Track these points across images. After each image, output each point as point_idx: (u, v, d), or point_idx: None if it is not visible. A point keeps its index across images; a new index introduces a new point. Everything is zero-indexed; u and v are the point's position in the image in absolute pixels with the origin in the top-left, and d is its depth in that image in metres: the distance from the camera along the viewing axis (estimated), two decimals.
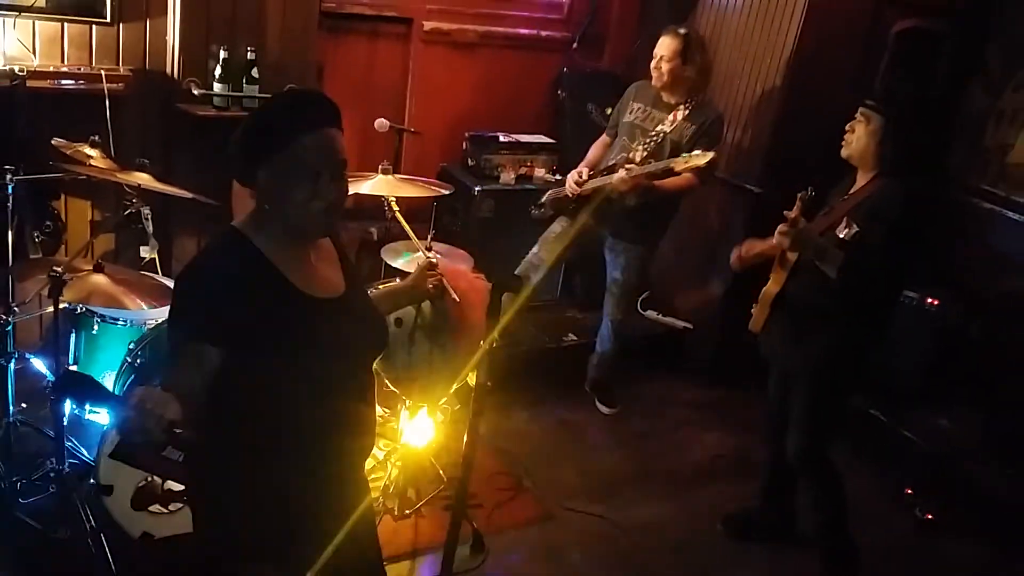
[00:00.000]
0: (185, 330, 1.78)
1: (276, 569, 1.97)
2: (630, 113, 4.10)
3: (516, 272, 4.29)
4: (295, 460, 1.87)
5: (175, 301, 1.84)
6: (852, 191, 3.09)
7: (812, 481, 3.31)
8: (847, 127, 3.06)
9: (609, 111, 4.49)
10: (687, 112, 3.92)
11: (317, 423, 1.87)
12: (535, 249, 4.28)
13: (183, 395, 1.67)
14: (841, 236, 2.97)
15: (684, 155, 3.75)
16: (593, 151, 4.29)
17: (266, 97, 3.95)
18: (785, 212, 2.96)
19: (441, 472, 3.57)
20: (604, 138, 4.28)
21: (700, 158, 3.67)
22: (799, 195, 2.99)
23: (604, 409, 4.49)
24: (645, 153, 3.94)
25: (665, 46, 3.89)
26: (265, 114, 1.89)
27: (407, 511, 3.42)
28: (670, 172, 3.81)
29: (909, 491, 4.04)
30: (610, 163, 4.06)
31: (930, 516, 3.92)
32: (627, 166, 3.90)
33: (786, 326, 3.17)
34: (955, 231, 4.59)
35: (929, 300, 4.37)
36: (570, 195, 4.15)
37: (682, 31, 3.90)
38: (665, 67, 3.89)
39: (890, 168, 2.97)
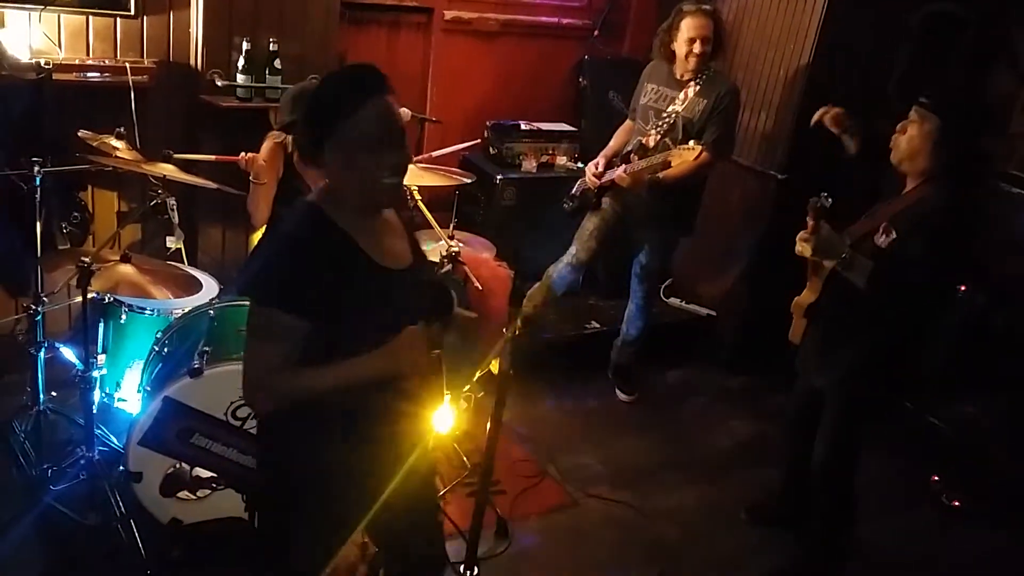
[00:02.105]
0: (272, 303, 1.84)
1: (330, 527, 2.07)
2: (645, 95, 4.06)
3: (548, 272, 4.29)
4: (352, 422, 1.96)
5: (261, 275, 1.88)
6: (901, 194, 2.91)
7: (828, 497, 3.23)
8: (898, 127, 2.85)
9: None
10: (698, 87, 3.86)
11: (375, 387, 1.94)
12: (572, 250, 4.24)
13: (269, 366, 1.83)
14: (878, 243, 2.81)
15: (677, 149, 3.72)
16: (616, 137, 4.26)
17: (288, 88, 3.98)
18: (810, 221, 2.83)
19: (465, 459, 3.59)
20: (628, 123, 4.25)
21: (690, 152, 3.65)
22: (809, 203, 2.80)
23: (623, 396, 4.49)
24: (659, 136, 3.91)
25: (704, 27, 3.77)
26: (323, 91, 1.93)
27: None
28: (668, 164, 3.75)
29: (935, 478, 4.02)
30: (627, 150, 4.06)
31: (956, 503, 3.90)
32: (624, 166, 3.92)
33: (818, 338, 3.08)
34: (981, 216, 4.53)
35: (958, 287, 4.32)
36: (591, 187, 4.16)
37: (707, 7, 3.82)
38: (708, 50, 3.80)
39: (943, 172, 2.78)
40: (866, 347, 2.95)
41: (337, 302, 1.85)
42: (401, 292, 1.98)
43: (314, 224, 1.89)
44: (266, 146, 3.75)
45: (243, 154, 3.55)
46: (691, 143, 3.73)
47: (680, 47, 3.84)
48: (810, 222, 2.80)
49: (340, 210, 1.91)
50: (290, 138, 3.70)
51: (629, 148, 4.04)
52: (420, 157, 3.99)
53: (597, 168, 4.13)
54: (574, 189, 4.30)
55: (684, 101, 3.87)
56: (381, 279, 1.95)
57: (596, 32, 5.22)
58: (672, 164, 3.73)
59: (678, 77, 3.92)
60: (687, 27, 3.80)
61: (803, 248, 2.85)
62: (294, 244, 1.87)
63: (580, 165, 4.89)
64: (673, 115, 3.89)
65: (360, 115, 1.82)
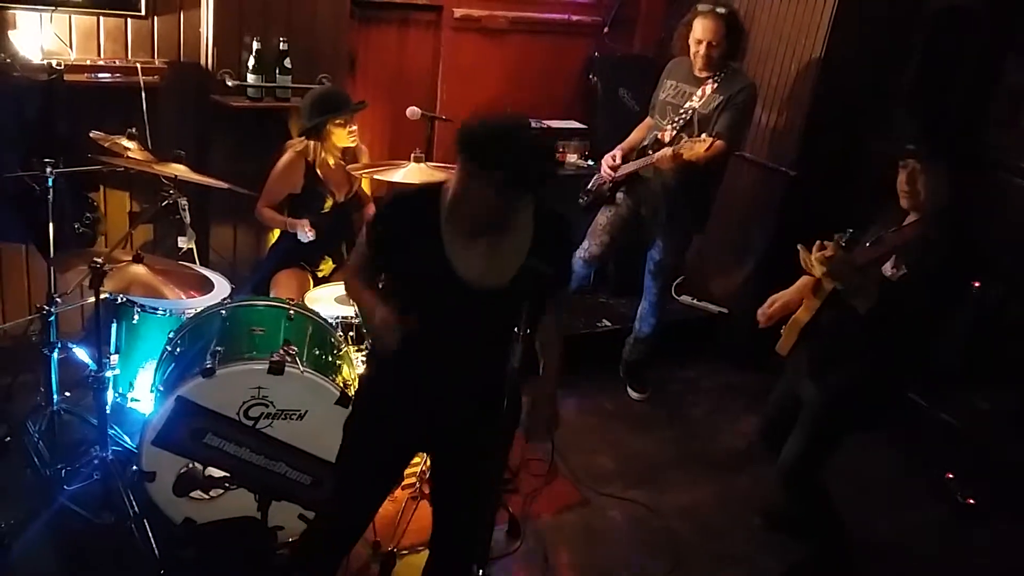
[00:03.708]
0: (367, 228, 2.23)
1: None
2: (664, 91, 4.06)
3: None
4: (405, 371, 2.23)
5: (377, 207, 2.36)
6: (905, 222, 2.90)
7: (795, 498, 3.27)
8: (905, 179, 2.84)
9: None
10: (716, 84, 3.86)
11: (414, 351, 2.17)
12: (585, 244, 4.28)
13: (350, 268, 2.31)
14: (888, 275, 2.81)
15: (688, 141, 3.73)
16: (636, 132, 4.26)
17: (298, 87, 3.99)
18: (824, 242, 2.83)
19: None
20: (647, 120, 4.24)
21: (701, 144, 3.66)
22: (836, 237, 2.82)
23: (634, 394, 4.49)
24: (674, 132, 3.91)
25: (711, 31, 3.78)
26: None
27: None
28: (679, 157, 3.76)
29: (949, 476, 3.99)
30: (643, 144, 4.06)
31: (971, 501, 3.87)
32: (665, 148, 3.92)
33: (814, 355, 3.07)
34: (993, 211, 4.50)
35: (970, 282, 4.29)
36: (607, 179, 4.16)
37: (721, 10, 3.80)
38: (715, 53, 3.81)
39: (947, 204, 2.81)
40: (866, 368, 2.96)
41: (399, 262, 2.15)
42: (459, 303, 2.11)
43: (423, 197, 2.18)
44: (286, 158, 3.75)
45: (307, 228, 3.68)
46: (703, 136, 3.75)
47: (691, 45, 3.86)
48: (829, 253, 2.80)
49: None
50: (311, 144, 3.70)
51: (645, 143, 4.04)
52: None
53: (614, 160, 4.13)
54: (590, 184, 4.30)
55: (702, 98, 3.88)
56: (445, 280, 2.10)
57: (606, 29, 5.20)
58: (684, 156, 3.74)
59: (696, 74, 3.92)
60: (697, 27, 3.83)
61: (816, 268, 2.85)
62: (399, 196, 2.23)
63: (591, 163, 4.88)
64: (690, 111, 3.89)
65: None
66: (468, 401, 2.22)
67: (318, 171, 3.76)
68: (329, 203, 3.82)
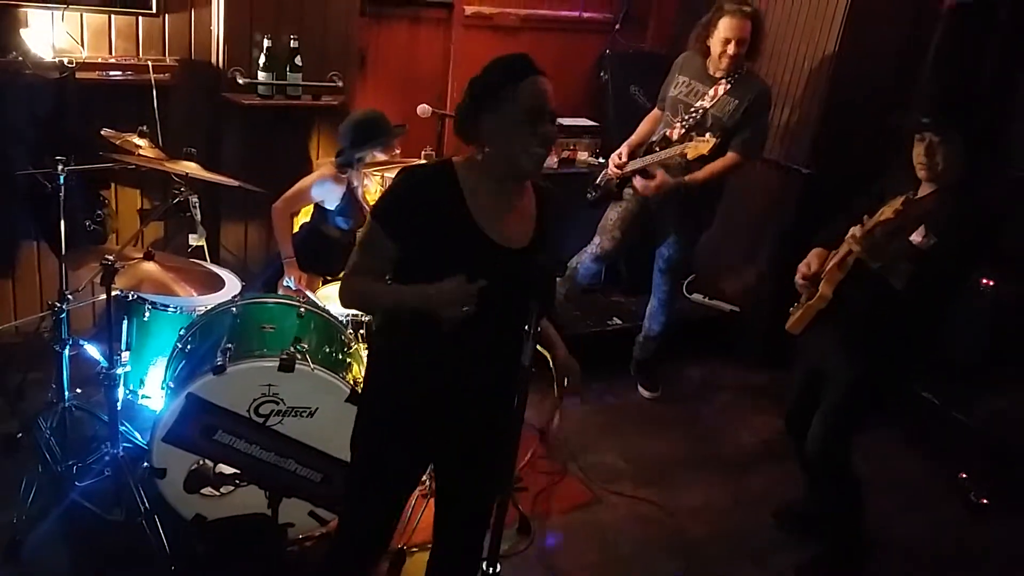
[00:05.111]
0: (378, 222, 2.12)
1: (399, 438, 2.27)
2: (675, 87, 4.03)
3: (571, 263, 4.32)
4: (428, 352, 2.16)
5: (383, 195, 2.20)
6: (923, 194, 2.87)
7: (828, 479, 3.24)
8: (923, 151, 2.80)
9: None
10: (729, 86, 3.84)
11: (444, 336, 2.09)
12: (596, 240, 4.27)
13: (352, 267, 2.16)
14: (916, 244, 2.77)
15: (692, 141, 3.76)
16: (642, 126, 4.24)
17: (309, 85, 3.99)
18: (866, 217, 2.78)
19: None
20: (655, 112, 4.23)
21: (704, 144, 3.70)
22: (902, 200, 2.75)
23: (645, 393, 4.48)
24: (683, 130, 3.90)
25: (740, 28, 3.73)
26: (487, 72, 2.14)
27: None
28: (684, 156, 3.81)
29: (963, 475, 3.96)
30: (651, 140, 4.05)
31: (985, 500, 3.85)
32: (643, 182, 3.98)
33: (835, 331, 3.02)
34: (1010, 209, 4.46)
35: (984, 281, 4.26)
36: (613, 177, 4.15)
37: (747, 8, 3.77)
38: (743, 52, 3.78)
39: (967, 177, 2.80)
40: (892, 342, 2.93)
41: (426, 242, 2.08)
42: (493, 265, 2.08)
43: (437, 172, 2.15)
44: (326, 173, 3.65)
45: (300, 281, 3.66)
46: (707, 135, 3.75)
47: (715, 45, 3.82)
48: (887, 216, 2.74)
49: (472, 175, 2.11)
50: (353, 173, 3.65)
51: (653, 139, 4.03)
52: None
53: (620, 159, 4.12)
54: (598, 179, 4.30)
55: (714, 98, 3.85)
56: (475, 243, 2.09)
57: (617, 26, 5.19)
58: (688, 156, 3.78)
59: (710, 73, 3.90)
60: (724, 27, 3.77)
61: (852, 245, 2.79)
62: (410, 177, 2.14)
63: (601, 160, 4.87)
64: (701, 110, 3.87)
65: (520, 90, 2.04)
66: (486, 396, 2.21)
67: (355, 195, 3.72)
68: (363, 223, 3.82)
